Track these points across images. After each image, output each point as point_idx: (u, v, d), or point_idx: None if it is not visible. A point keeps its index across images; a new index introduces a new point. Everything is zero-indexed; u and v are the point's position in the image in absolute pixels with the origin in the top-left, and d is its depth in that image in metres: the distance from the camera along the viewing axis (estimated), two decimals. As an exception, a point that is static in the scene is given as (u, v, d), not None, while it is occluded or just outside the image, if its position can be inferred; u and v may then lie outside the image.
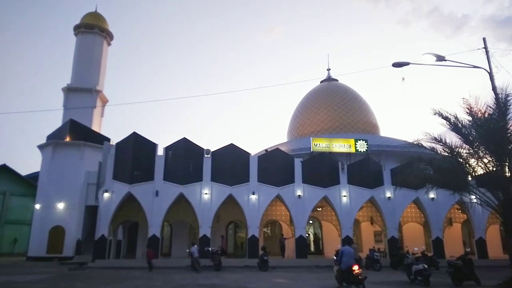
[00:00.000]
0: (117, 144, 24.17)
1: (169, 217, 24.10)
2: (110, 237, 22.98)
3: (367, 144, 31.01)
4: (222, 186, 23.95)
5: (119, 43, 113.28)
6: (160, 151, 24.23)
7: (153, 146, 24.22)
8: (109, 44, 39.29)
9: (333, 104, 44.13)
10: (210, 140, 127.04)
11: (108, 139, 28.36)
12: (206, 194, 23.61)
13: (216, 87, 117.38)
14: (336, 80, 48.65)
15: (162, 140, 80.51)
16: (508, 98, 13.49)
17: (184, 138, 24.70)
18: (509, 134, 13.74)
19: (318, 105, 44.87)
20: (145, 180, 23.27)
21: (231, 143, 25.22)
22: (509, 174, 13.91)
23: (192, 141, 24.73)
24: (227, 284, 13.87)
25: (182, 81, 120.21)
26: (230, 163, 24.51)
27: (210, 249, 21.13)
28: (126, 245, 26.83)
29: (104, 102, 37.65)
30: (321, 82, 49.52)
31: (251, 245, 23.49)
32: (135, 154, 23.71)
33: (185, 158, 24.19)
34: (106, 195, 22.73)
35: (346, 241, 13.68)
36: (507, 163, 13.88)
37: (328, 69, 50.89)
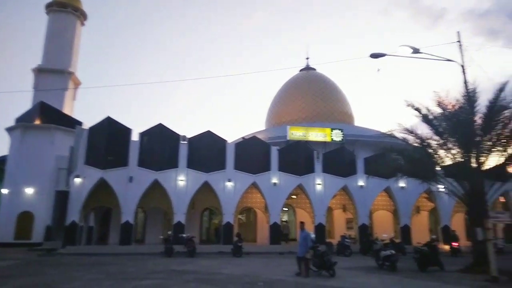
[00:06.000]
0: (90, 128, 23.54)
1: (143, 204, 23.86)
2: (82, 223, 22.56)
3: (342, 134, 31.52)
4: (198, 173, 23.87)
5: (93, 23, 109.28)
6: (135, 137, 23.83)
7: (128, 131, 23.76)
8: (82, 24, 37.80)
9: (310, 93, 44.42)
10: (187, 127, 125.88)
11: (80, 123, 27.52)
12: (181, 181, 23.49)
13: (193, 72, 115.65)
14: (314, 69, 48.92)
15: (138, 125, 78.71)
16: (474, 92, 14.02)
17: (160, 124, 24.37)
18: (476, 127, 14.33)
19: (296, 94, 45.07)
20: (119, 165, 22.87)
21: (208, 130, 25.08)
22: (476, 165, 14.52)
23: (168, 127, 24.42)
24: (200, 270, 13.95)
25: (160, 65, 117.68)
26: (207, 150, 24.41)
27: (184, 235, 21.12)
28: (98, 232, 26.45)
29: (77, 84, 36.40)
30: (300, 70, 49.68)
31: (226, 231, 23.66)
32: (109, 139, 23.19)
33: (161, 144, 23.91)
34: (78, 180, 22.21)
35: (302, 225, 13.65)
36: (473, 154, 14.49)
37: (307, 58, 51.07)
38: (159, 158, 23.57)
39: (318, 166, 26.28)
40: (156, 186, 23.42)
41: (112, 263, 15.95)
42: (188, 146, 24.28)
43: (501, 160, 14.80)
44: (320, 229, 24.87)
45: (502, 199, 28.73)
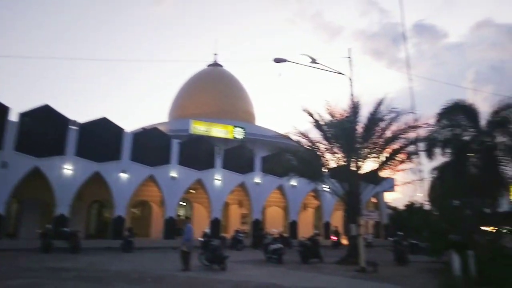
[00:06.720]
0: (-47, 102, 19.86)
1: (19, 193, 21.09)
2: None
3: (244, 132, 32.47)
4: (88, 162, 22.06)
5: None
6: (14, 117, 20.87)
7: (5, 109, 20.69)
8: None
9: (216, 89, 44.56)
10: (82, 112, 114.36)
11: None
12: (67, 170, 21.43)
13: (88, 53, 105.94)
14: (221, 66, 49.27)
15: (19, 104, 68.62)
16: (358, 104, 15.93)
17: (47, 105, 21.84)
18: (357, 135, 16.25)
19: (202, 89, 44.76)
20: (-11, 148, 19.77)
21: (104, 117, 23.41)
22: (354, 169, 16.44)
23: (57, 109, 22.00)
24: (83, 267, 12.94)
25: (57, 42, 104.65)
26: (101, 138, 22.76)
27: (67, 229, 19.28)
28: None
29: None
30: (208, 66, 49.47)
31: (116, 225, 22.40)
32: (-22, 117, 19.87)
33: (46, 128, 21.46)
34: None
35: (186, 220, 13.81)
36: (354, 159, 16.39)
37: (215, 54, 51.10)
38: (42, 143, 21.07)
39: (218, 162, 26.64)
40: (36, 174, 20.91)
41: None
42: (79, 132, 22.27)
43: (375, 165, 17.04)
44: (216, 223, 25.27)
45: (373, 200, 33.08)
